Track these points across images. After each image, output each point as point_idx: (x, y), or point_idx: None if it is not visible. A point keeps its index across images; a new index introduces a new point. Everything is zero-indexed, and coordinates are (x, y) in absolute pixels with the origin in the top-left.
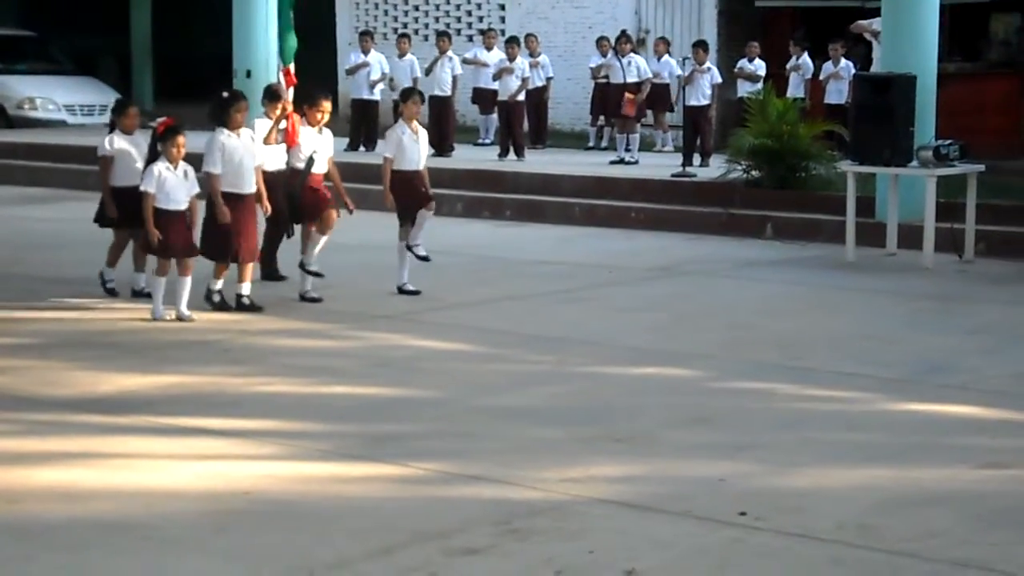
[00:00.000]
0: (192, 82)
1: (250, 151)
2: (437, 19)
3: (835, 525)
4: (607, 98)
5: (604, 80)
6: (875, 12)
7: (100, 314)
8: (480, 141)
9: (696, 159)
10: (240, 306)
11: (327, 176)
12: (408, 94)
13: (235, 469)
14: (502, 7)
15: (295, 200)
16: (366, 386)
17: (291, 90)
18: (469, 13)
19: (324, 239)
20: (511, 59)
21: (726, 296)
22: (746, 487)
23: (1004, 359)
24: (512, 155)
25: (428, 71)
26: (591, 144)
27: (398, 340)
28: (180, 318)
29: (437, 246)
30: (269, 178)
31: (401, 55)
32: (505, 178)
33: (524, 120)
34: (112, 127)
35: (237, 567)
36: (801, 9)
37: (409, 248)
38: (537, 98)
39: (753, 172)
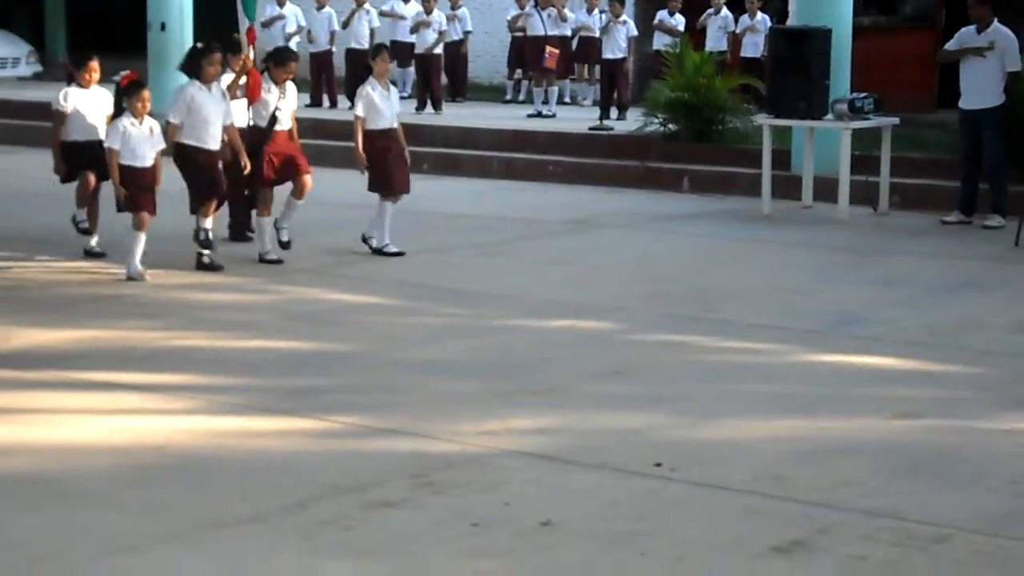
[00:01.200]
0: (106, 35)
1: (219, 107)
2: None
3: (750, 476)
4: (525, 51)
5: (521, 32)
6: None
7: (11, 267)
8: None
9: (613, 112)
10: (197, 242)
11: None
12: (377, 51)
13: (149, 424)
14: None
15: (257, 158)
16: (282, 340)
17: (251, 48)
18: None
19: (299, 203)
20: (428, 12)
21: (643, 249)
22: (662, 438)
23: (917, 311)
24: (429, 108)
25: (345, 24)
26: (508, 97)
27: (314, 294)
28: (131, 276)
29: (355, 198)
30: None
31: (319, 7)
32: (423, 131)
33: (441, 73)
34: (69, 80)
35: (151, 521)
36: None
37: (371, 245)
38: (455, 52)
39: (670, 125)
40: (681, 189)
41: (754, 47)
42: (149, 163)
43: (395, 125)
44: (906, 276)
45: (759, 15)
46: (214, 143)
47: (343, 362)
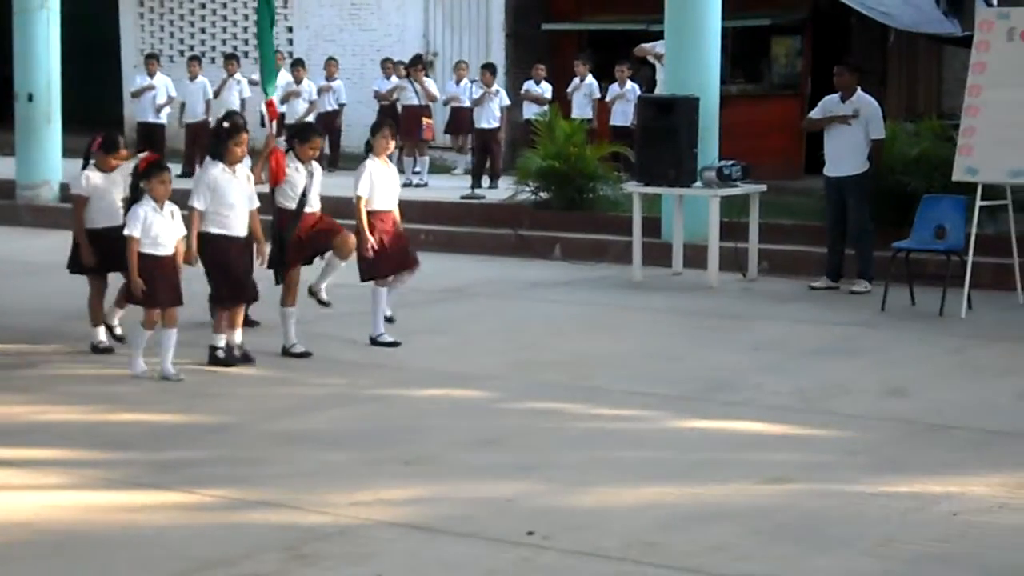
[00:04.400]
0: None
1: (244, 191)
2: (224, 41)
3: (622, 543)
4: (399, 121)
5: (388, 102)
6: (659, 35)
7: None
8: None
9: (485, 181)
10: (212, 359)
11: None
12: (378, 127)
13: (18, 499)
14: (290, 29)
15: (284, 243)
16: (152, 413)
17: (274, 123)
18: (256, 35)
19: (341, 264)
20: (297, 81)
21: (515, 317)
22: (534, 507)
23: (786, 375)
24: None
25: (216, 93)
26: None
27: (183, 366)
28: (165, 376)
29: None
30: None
31: (192, 77)
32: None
33: None
34: (86, 162)
35: None
36: (587, 32)
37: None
38: (330, 123)
39: (541, 194)
40: (553, 257)
41: (623, 115)
42: (171, 251)
43: (394, 207)
44: (775, 341)
45: (628, 84)
46: (241, 229)
47: (214, 434)
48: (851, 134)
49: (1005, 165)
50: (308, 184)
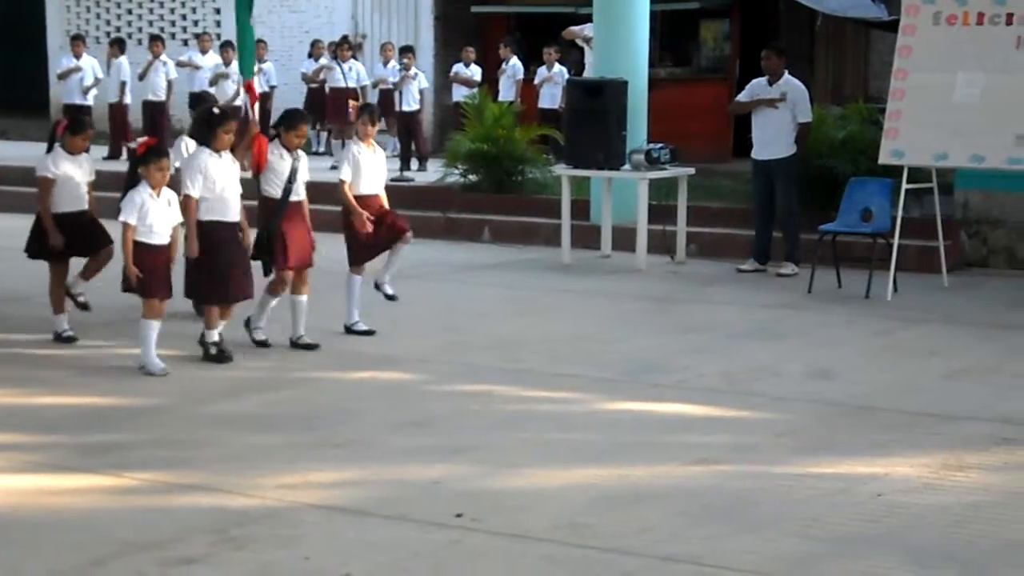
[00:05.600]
0: None
1: (235, 177)
2: (151, 23)
3: (550, 524)
4: (325, 103)
5: (316, 84)
6: (588, 18)
7: None
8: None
9: (414, 163)
10: (205, 354)
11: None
12: (361, 112)
13: None
14: (217, 11)
15: (271, 233)
16: (80, 396)
17: (255, 107)
18: (184, 17)
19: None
20: (226, 63)
21: (445, 300)
22: (463, 489)
23: (714, 357)
24: None
25: (142, 76)
26: (314, 149)
27: (115, 349)
28: (149, 372)
29: None
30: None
31: (113, 58)
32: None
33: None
34: (51, 146)
35: None
36: (516, 14)
37: (378, 287)
38: (260, 105)
39: (470, 176)
40: (482, 239)
41: (551, 98)
42: (167, 240)
43: (380, 192)
44: (703, 323)
45: (556, 67)
46: (234, 215)
47: (142, 417)
48: (778, 117)
49: (931, 148)
50: (294, 172)
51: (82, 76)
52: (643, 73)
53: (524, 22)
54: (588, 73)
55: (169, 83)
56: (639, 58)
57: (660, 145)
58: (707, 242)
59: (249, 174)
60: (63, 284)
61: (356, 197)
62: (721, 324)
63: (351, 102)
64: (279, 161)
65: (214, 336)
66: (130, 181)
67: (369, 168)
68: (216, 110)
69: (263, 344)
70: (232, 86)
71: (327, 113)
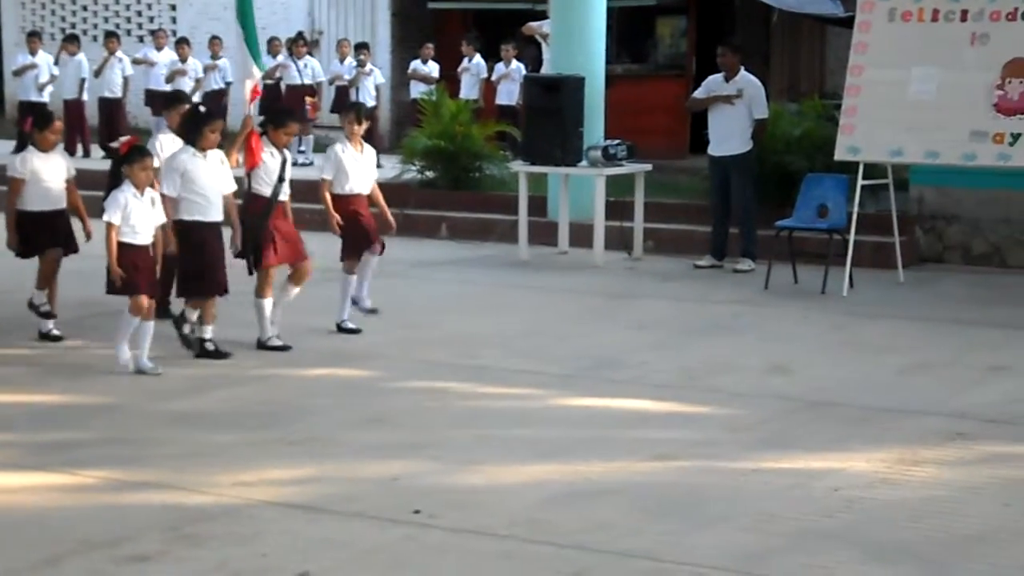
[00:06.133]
0: None
1: (218, 175)
2: (106, 19)
3: (507, 520)
4: (281, 100)
5: (272, 81)
6: (545, 15)
7: None
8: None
9: None
10: (203, 351)
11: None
12: (348, 109)
13: None
14: (173, 7)
15: (257, 231)
16: (35, 393)
17: (255, 104)
18: (139, 13)
19: (295, 291)
20: (183, 60)
21: (402, 296)
22: (420, 485)
23: (671, 353)
24: None
25: (98, 72)
26: None
27: (69, 345)
28: (141, 370)
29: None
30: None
31: (71, 55)
32: None
33: None
34: (23, 143)
35: None
36: (473, 11)
37: (355, 302)
38: (217, 101)
39: (427, 173)
40: (439, 236)
41: (509, 95)
42: (150, 240)
43: (366, 192)
44: (660, 319)
45: (514, 63)
46: (216, 215)
47: (97, 415)
48: (735, 114)
49: (886, 144)
50: (283, 170)
51: (38, 73)
52: (600, 70)
53: (481, 18)
54: (545, 70)
55: (125, 80)
56: (596, 55)
57: (617, 141)
58: (664, 238)
59: (242, 171)
60: (54, 275)
61: (339, 196)
62: (678, 320)
63: (307, 99)
64: (269, 159)
65: (207, 332)
66: (112, 181)
67: (354, 168)
68: (203, 108)
69: (285, 348)
70: (189, 83)
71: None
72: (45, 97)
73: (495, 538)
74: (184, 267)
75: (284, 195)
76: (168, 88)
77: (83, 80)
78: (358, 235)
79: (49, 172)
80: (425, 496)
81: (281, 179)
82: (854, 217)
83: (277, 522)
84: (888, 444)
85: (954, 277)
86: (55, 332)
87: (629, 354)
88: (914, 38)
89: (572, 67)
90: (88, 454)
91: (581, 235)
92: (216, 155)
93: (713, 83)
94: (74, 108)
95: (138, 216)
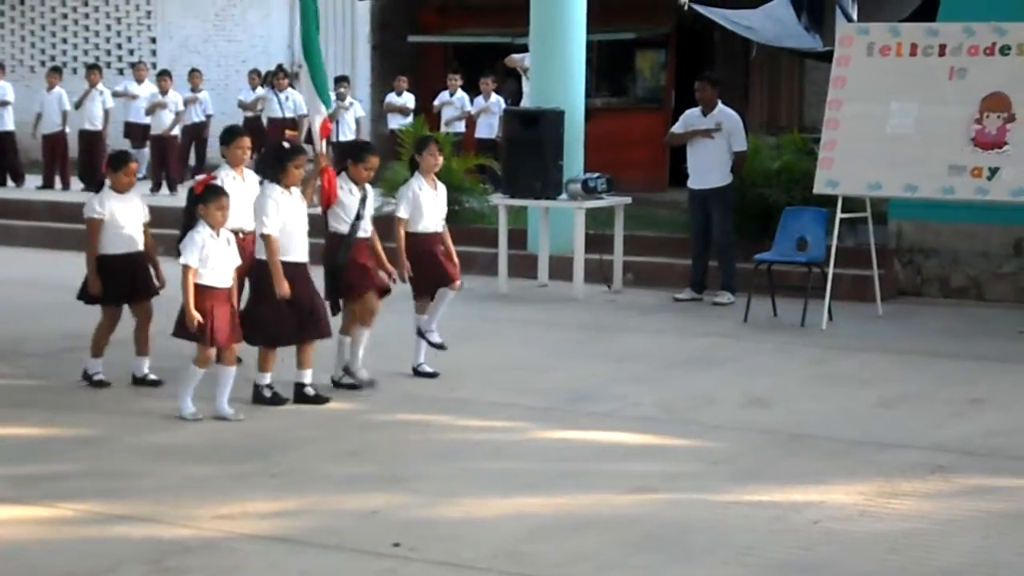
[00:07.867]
0: None
1: (303, 213)
2: (87, 52)
3: (488, 553)
4: (262, 133)
5: (252, 113)
6: (526, 48)
7: None
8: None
9: None
10: (302, 397)
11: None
12: (424, 143)
13: None
14: (153, 40)
15: (337, 271)
16: (13, 426)
17: (324, 141)
18: (119, 46)
19: (366, 334)
20: (163, 93)
21: (381, 329)
22: (401, 518)
23: (650, 386)
24: (165, 189)
25: (78, 104)
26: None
27: (49, 378)
28: (222, 416)
29: None
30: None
31: (50, 88)
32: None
33: (179, 154)
34: (100, 184)
35: None
36: (453, 44)
37: (422, 334)
38: (197, 134)
39: None
40: None
41: (489, 128)
42: (229, 283)
43: (440, 229)
44: (639, 352)
45: (493, 96)
46: (301, 255)
47: (77, 448)
48: (714, 147)
49: (865, 178)
50: (362, 207)
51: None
52: (579, 103)
53: (461, 52)
54: (525, 103)
55: (106, 112)
56: (575, 88)
57: (597, 175)
58: (644, 271)
59: (318, 210)
60: (111, 330)
61: (413, 235)
62: (658, 353)
63: (288, 132)
64: (347, 195)
65: (265, 379)
66: (187, 221)
67: (430, 206)
68: (286, 144)
69: (371, 384)
70: (170, 115)
71: (263, 142)
72: (10, 125)
73: (476, 571)
74: (265, 308)
75: (364, 232)
76: (148, 120)
77: (65, 112)
78: (432, 274)
79: (124, 214)
80: (406, 529)
81: (359, 216)
82: (833, 250)
83: (258, 555)
84: (867, 477)
85: (932, 310)
86: (100, 377)
87: (609, 387)
88: (893, 73)
89: (552, 100)
90: (68, 487)
91: (561, 268)
92: (298, 192)
93: (691, 117)
94: (58, 141)
95: (216, 257)
